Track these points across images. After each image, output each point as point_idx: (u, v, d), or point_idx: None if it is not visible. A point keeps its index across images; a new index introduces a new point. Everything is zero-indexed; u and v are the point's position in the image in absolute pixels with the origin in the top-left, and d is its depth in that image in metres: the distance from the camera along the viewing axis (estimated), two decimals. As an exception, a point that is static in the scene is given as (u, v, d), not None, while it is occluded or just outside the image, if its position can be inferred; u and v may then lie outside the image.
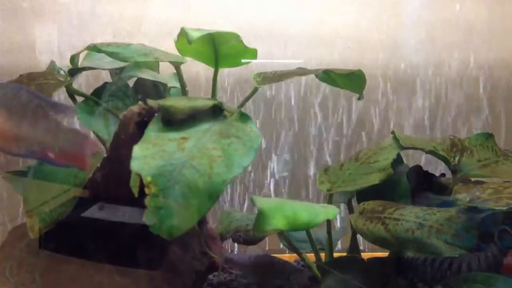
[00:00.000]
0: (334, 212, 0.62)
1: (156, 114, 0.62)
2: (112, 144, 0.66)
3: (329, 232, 0.78)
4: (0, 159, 1.06)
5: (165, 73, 0.90)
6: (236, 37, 0.72)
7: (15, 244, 0.71)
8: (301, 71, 0.82)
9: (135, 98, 0.81)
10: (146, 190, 0.52)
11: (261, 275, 0.86)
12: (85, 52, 0.80)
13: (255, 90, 0.79)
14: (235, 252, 0.95)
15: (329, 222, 0.78)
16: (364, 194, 0.75)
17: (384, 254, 0.75)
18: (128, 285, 0.66)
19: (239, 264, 0.85)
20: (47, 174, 0.70)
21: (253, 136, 0.59)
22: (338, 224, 1.14)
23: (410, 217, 0.63)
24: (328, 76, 0.83)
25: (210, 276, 0.86)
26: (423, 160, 1.11)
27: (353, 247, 0.79)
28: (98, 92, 0.81)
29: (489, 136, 0.81)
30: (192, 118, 0.62)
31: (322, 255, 0.79)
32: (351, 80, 0.81)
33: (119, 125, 0.65)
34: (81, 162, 0.58)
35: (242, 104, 0.81)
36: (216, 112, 0.64)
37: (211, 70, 0.80)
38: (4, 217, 1.08)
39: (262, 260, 0.85)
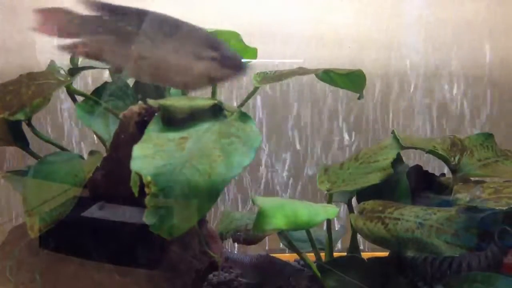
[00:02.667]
0: (334, 212, 0.62)
1: (156, 114, 0.62)
2: (112, 143, 0.66)
3: (329, 231, 0.78)
4: None
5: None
6: (236, 36, 0.72)
7: (15, 243, 0.71)
8: (301, 71, 0.82)
9: (135, 97, 0.81)
10: (146, 190, 0.52)
11: (262, 275, 0.86)
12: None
13: (256, 89, 0.79)
14: (235, 252, 0.94)
15: (329, 222, 0.78)
16: (364, 194, 0.75)
17: (384, 253, 0.75)
18: (128, 284, 0.66)
19: (240, 264, 0.85)
20: (47, 173, 0.70)
21: (253, 135, 0.59)
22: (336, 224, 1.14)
23: (410, 216, 0.63)
24: (328, 75, 0.83)
25: (210, 276, 0.86)
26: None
27: (353, 247, 0.79)
28: (98, 92, 0.81)
29: (489, 136, 0.81)
30: (192, 118, 0.62)
31: (322, 254, 0.79)
32: (351, 80, 0.82)
33: (119, 125, 0.65)
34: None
35: (242, 104, 0.81)
36: (216, 111, 0.64)
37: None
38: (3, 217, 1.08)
39: (262, 260, 0.85)
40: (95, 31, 0.55)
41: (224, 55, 0.55)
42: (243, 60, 0.56)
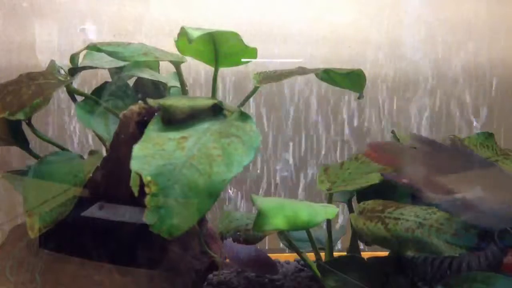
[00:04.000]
0: (334, 212, 0.62)
1: (156, 114, 0.62)
2: (112, 143, 0.66)
3: (329, 231, 0.78)
4: None
5: (165, 72, 0.90)
6: (236, 36, 0.72)
7: (15, 243, 0.71)
8: (301, 70, 0.82)
9: (135, 97, 0.81)
10: (146, 190, 0.52)
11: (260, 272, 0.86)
12: (85, 51, 0.80)
13: (256, 89, 0.79)
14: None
15: (329, 222, 0.78)
16: (364, 194, 0.75)
17: (384, 253, 0.75)
18: (128, 284, 0.66)
19: (240, 259, 0.85)
20: (47, 173, 0.70)
21: (253, 135, 0.59)
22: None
23: (410, 216, 0.63)
24: (328, 75, 0.83)
25: (210, 276, 0.86)
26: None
27: (353, 247, 0.79)
28: (98, 92, 0.81)
29: (489, 136, 0.81)
30: (192, 118, 0.62)
31: (322, 254, 0.79)
32: (351, 79, 0.81)
33: (119, 125, 0.65)
34: None
35: (242, 103, 0.81)
36: (216, 111, 0.64)
37: (211, 70, 0.80)
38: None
39: (261, 256, 0.85)
40: (417, 163, 0.61)
41: None
42: None
